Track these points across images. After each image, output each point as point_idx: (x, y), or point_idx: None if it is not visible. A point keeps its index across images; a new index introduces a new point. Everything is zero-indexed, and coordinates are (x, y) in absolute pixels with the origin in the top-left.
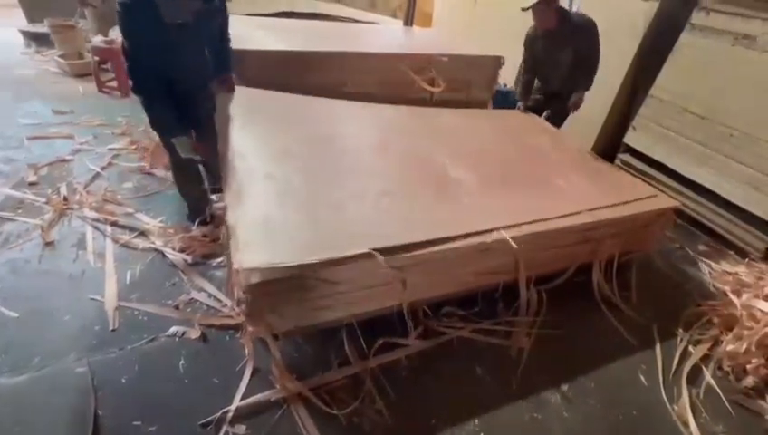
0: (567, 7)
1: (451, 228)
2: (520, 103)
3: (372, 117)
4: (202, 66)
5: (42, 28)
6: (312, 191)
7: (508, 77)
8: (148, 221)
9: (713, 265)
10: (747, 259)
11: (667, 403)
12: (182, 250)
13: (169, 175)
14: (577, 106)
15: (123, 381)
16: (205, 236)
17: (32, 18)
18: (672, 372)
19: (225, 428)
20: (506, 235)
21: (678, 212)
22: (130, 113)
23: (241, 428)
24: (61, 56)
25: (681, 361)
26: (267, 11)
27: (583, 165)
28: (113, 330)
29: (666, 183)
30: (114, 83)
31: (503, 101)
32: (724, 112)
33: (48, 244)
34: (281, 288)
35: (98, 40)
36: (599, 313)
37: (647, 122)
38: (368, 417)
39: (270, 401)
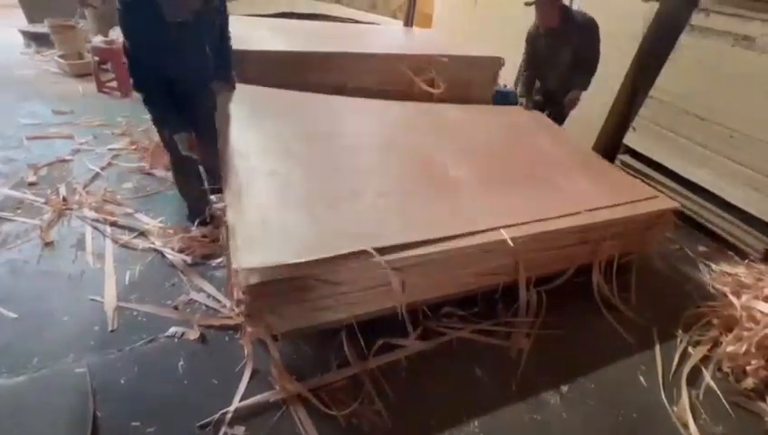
0: (569, 6)
1: (450, 228)
2: (522, 100)
3: (375, 113)
4: (202, 65)
5: (42, 28)
6: (313, 190)
7: (508, 78)
8: (147, 221)
9: (712, 266)
10: (747, 260)
11: (667, 404)
12: (181, 251)
13: (169, 175)
14: (573, 105)
15: (122, 381)
16: (204, 236)
17: (32, 18)
18: (672, 373)
19: (224, 429)
20: (505, 235)
21: (678, 213)
22: (130, 113)
23: (240, 429)
24: (61, 56)
25: (681, 362)
26: (267, 11)
27: (585, 164)
28: (112, 331)
29: (665, 184)
30: (114, 84)
31: (502, 101)
32: (723, 113)
33: (47, 244)
34: (280, 289)
35: (98, 40)
36: (598, 314)
37: (646, 123)
38: (367, 418)
39: (269, 402)
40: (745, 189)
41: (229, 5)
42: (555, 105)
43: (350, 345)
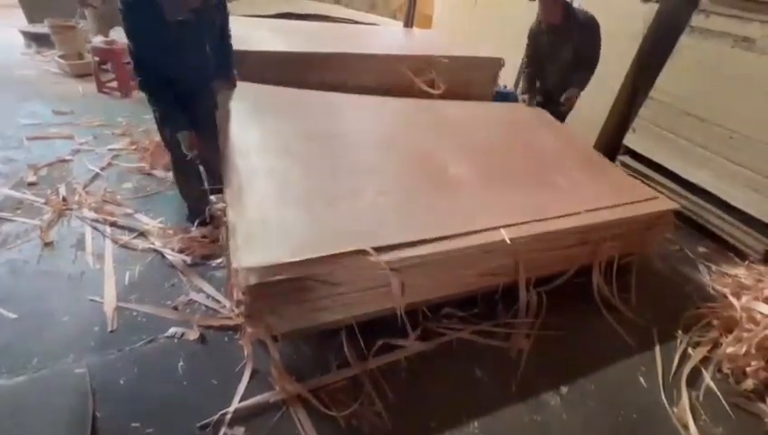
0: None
1: (449, 227)
2: (525, 96)
3: (376, 110)
4: (203, 64)
5: (42, 29)
6: (313, 189)
7: (508, 78)
8: (147, 222)
9: (712, 267)
10: (747, 261)
11: (667, 405)
12: (181, 251)
13: (169, 175)
14: (570, 104)
15: (122, 382)
16: (204, 237)
17: (32, 19)
18: (672, 374)
19: (223, 429)
20: (504, 234)
21: (678, 214)
22: (130, 114)
23: (240, 429)
24: (61, 57)
25: (681, 363)
26: (267, 12)
27: (586, 163)
28: (112, 331)
29: (665, 185)
30: (114, 84)
31: (503, 102)
32: (723, 114)
33: (47, 244)
34: (280, 289)
35: (98, 40)
36: (598, 315)
37: (646, 124)
38: (367, 419)
39: (269, 402)
40: (745, 190)
41: (229, 6)
42: (554, 104)
43: (350, 346)
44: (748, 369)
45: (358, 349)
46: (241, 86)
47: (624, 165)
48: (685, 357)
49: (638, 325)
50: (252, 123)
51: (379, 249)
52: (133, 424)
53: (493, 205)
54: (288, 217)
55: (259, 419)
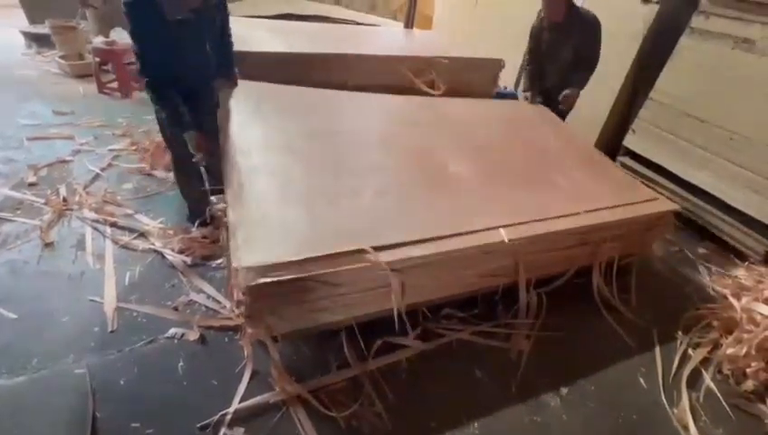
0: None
1: (449, 227)
2: (527, 94)
3: (378, 108)
4: (204, 63)
5: (43, 29)
6: (314, 188)
7: (508, 79)
8: (147, 222)
9: (713, 268)
10: (747, 262)
11: (667, 406)
12: (181, 251)
13: (169, 176)
14: (569, 103)
15: (122, 382)
16: (204, 237)
17: (33, 19)
18: (672, 375)
19: (223, 430)
20: (504, 234)
21: (678, 215)
22: (131, 114)
23: (239, 430)
24: (61, 57)
25: (681, 364)
26: (268, 13)
27: (586, 162)
28: (112, 331)
29: (665, 186)
30: (115, 84)
31: None
32: (723, 116)
33: (47, 245)
34: (280, 290)
35: (99, 41)
36: (598, 315)
37: (646, 125)
38: (367, 420)
39: (269, 403)
40: (745, 192)
41: (231, 7)
42: (553, 104)
43: (350, 347)
44: (748, 370)
45: (358, 350)
46: (242, 84)
47: (624, 166)
48: (685, 358)
49: (638, 326)
50: (253, 121)
51: (379, 248)
52: (133, 424)
53: (493, 204)
54: (289, 216)
55: (259, 419)
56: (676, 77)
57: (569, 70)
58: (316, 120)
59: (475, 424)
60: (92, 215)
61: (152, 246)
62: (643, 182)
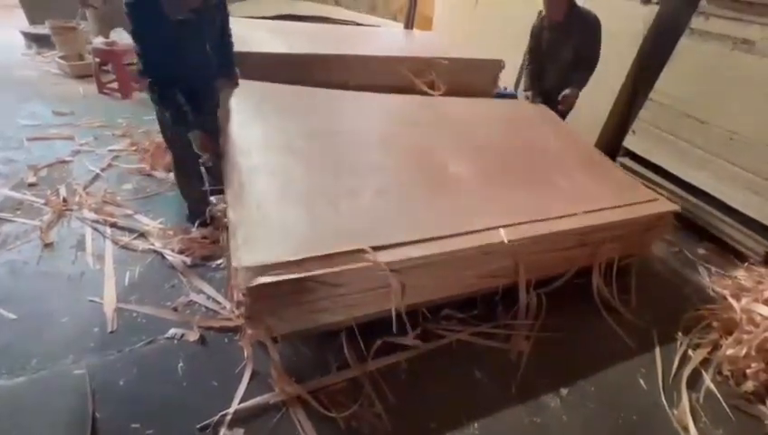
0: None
1: (448, 227)
2: (528, 93)
3: (378, 108)
4: (204, 63)
5: (43, 29)
6: (314, 188)
7: (508, 79)
8: (147, 223)
9: (712, 269)
10: (747, 263)
11: (667, 407)
12: (181, 252)
13: (169, 176)
14: (569, 103)
15: (121, 383)
16: (204, 237)
17: (33, 19)
18: (672, 376)
19: (223, 430)
20: (503, 234)
21: (678, 216)
22: (131, 115)
23: (239, 431)
24: (61, 57)
25: (681, 365)
26: (269, 14)
27: (586, 163)
28: (112, 332)
29: (665, 187)
30: (115, 85)
31: None
32: (723, 116)
33: (47, 245)
34: (280, 290)
35: (99, 41)
36: (598, 316)
37: (646, 126)
38: (366, 420)
39: (269, 403)
40: (745, 192)
41: (231, 7)
42: (553, 104)
43: (350, 347)
44: (748, 371)
45: (358, 350)
46: (242, 84)
47: (624, 166)
48: (685, 359)
49: (637, 327)
50: (253, 121)
51: (378, 248)
52: (133, 425)
53: (493, 204)
54: (289, 216)
55: (259, 420)
56: (676, 78)
57: (569, 69)
58: (316, 119)
59: (475, 425)
60: (92, 215)
61: (152, 247)
62: (643, 183)
